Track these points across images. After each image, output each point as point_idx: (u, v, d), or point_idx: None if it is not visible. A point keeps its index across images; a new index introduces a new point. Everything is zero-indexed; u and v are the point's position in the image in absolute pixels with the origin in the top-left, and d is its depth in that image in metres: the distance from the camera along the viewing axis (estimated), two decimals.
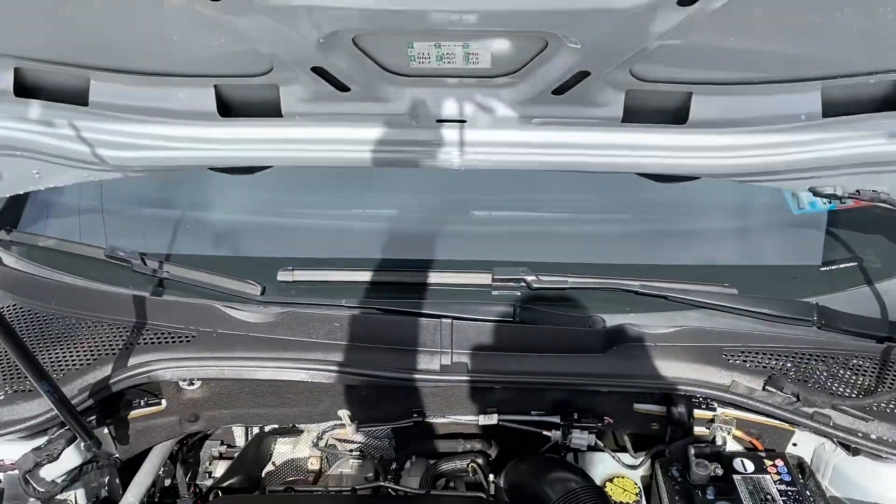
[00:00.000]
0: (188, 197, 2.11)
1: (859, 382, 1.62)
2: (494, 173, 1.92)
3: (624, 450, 1.73)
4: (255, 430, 1.94)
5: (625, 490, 1.64)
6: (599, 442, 1.71)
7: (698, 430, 1.69)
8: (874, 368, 1.65)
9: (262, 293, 1.77)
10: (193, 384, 1.71)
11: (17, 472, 1.52)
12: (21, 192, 1.71)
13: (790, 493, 1.52)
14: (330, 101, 1.36)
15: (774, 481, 1.54)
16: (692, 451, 1.60)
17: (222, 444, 1.97)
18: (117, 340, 1.69)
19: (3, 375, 1.64)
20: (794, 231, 1.97)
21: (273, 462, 1.92)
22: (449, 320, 1.67)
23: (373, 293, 1.76)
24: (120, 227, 2.03)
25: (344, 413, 1.75)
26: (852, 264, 1.88)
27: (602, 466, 1.71)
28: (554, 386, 1.67)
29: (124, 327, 1.71)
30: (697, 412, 1.68)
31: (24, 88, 1.33)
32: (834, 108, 1.32)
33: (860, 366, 1.65)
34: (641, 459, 1.70)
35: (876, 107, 1.31)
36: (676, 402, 1.68)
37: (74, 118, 1.39)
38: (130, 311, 1.73)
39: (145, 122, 1.41)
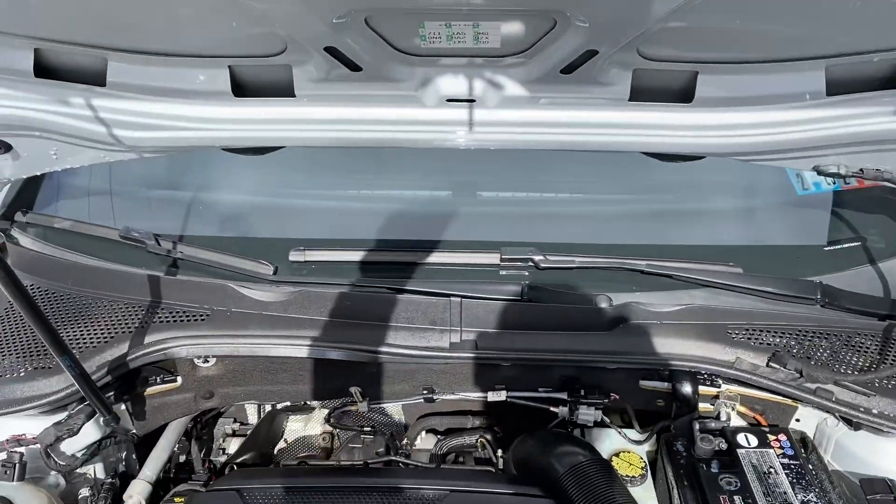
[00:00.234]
0: (196, 179, 2.14)
1: (861, 359, 1.65)
2: (501, 155, 1.96)
3: (630, 426, 1.76)
4: (268, 407, 1.98)
5: (631, 464, 1.67)
6: (606, 418, 1.74)
7: (703, 406, 1.73)
8: (876, 345, 1.68)
9: (275, 273, 1.80)
10: (208, 361, 1.75)
11: (38, 446, 1.56)
12: (38, 174, 1.74)
13: (793, 466, 1.55)
14: (342, 81, 1.38)
15: (777, 455, 1.57)
16: (697, 426, 1.63)
17: (235, 421, 2.00)
18: (133, 319, 1.73)
19: (24, 353, 1.68)
20: (799, 211, 2.00)
21: (285, 439, 1.96)
22: (458, 299, 1.70)
23: (383, 273, 1.79)
24: (129, 209, 2.07)
25: (355, 390, 1.79)
26: (855, 244, 1.90)
27: (608, 442, 1.74)
28: (561, 363, 1.70)
29: (140, 306, 1.75)
30: (702, 389, 1.71)
31: (44, 69, 1.36)
32: (838, 87, 1.34)
33: (862, 343, 1.68)
34: (647, 435, 1.73)
35: (879, 85, 1.33)
36: (681, 379, 1.71)
37: (92, 98, 1.41)
38: (146, 291, 1.77)
39: (161, 102, 1.43)
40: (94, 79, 1.38)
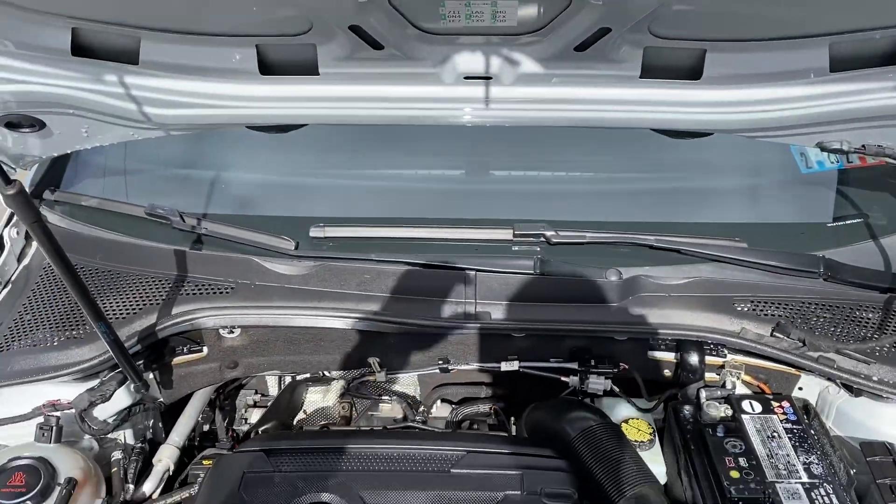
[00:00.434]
0: (213, 159, 2.20)
1: (862, 329, 1.71)
2: (513, 134, 2.02)
3: (638, 395, 1.83)
4: (288, 379, 2.05)
5: (639, 430, 1.74)
6: (615, 387, 1.81)
7: (709, 376, 1.79)
8: (877, 317, 1.74)
9: (296, 248, 1.86)
10: (233, 332, 1.82)
11: (72, 411, 1.63)
12: (68, 151, 1.81)
13: (795, 430, 1.61)
14: (364, 59, 1.44)
15: (781, 420, 1.64)
16: (703, 394, 1.69)
17: (256, 392, 2.08)
18: (161, 292, 1.79)
19: (58, 324, 1.76)
20: (803, 189, 2.05)
21: (304, 410, 2.03)
22: (473, 272, 1.77)
23: (400, 248, 1.85)
24: (145, 189, 2.12)
25: (373, 360, 1.86)
26: (858, 221, 1.96)
27: (617, 410, 1.80)
28: (572, 333, 1.77)
29: (167, 280, 1.82)
30: (708, 359, 1.78)
31: (80, 48, 1.42)
32: (841, 64, 1.39)
33: (863, 315, 1.75)
34: (655, 403, 1.79)
35: (881, 61, 1.38)
36: (688, 349, 1.78)
37: (125, 76, 1.48)
38: (172, 265, 1.84)
39: (190, 80, 1.50)
40: (128, 57, 1.45)
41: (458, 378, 1.95)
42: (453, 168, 2.13)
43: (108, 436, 1.71)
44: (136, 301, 1.78)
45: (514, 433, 1.83)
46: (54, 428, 1.60)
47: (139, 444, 1.73)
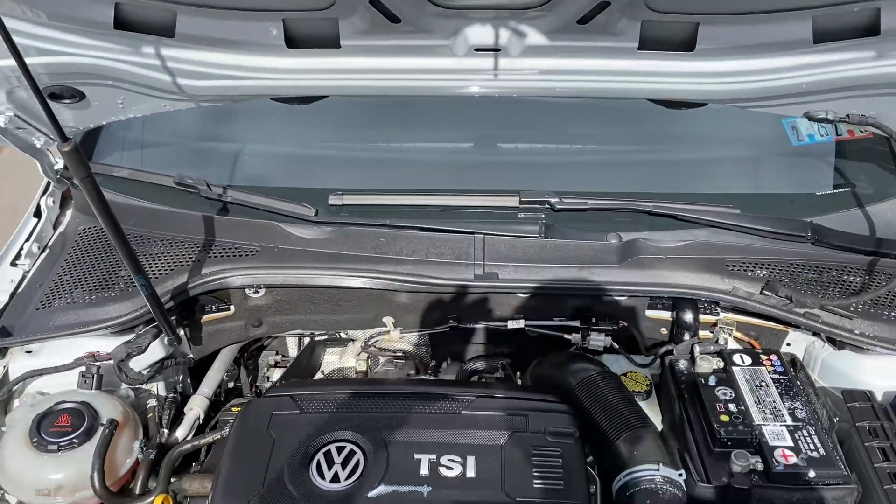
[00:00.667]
0: (231, 133, 2.32)
1: (845, 289, 1.83)
2: (520, 109, 2.14)
3: (637, 352, 1.95)
4: (307, 341, 2.18)
5: (637, 381, 1.86)
6: (615, 344, 1.93)
7: (703, 333, 1.91)
8: (859, 278, 1.86)
9: (316, 215, 1.99)
10: (258, 292, 1.94)
11: (111, 361, 1.76)
12: (103, 123, 1.93)
13: (782, 380, 1.73)
14: (382, 32, 1.56)
15: (769, 371, 1.75)
16: (697, 349, 1.81)
17: (277, 353, 2.21)
18: (190, 254, 1.92)
19: (94, 285, 1.89)
20: (794, 161, 2.17)
21: (322, 370, 2.16)
22: (481, 236, 1.89)
23: (413, 214, 1.96)
24: (166, 162, 2.22)
25: (388, 320, 1.99)
26: (846, 190, 2.07)
27: (617, 366, 1.92)
28: (574, 293, 1.89)
29: (196, 244, 1.94)
30: (702, 317, 1.90)
31: (122, 22, 1.54)
32: (823, 35, 1.51)
33: (847, 275, 1.87)
34: (652, 359, 1.92)
35: (860, 33, 1.50)
36: (683, 308, 1.90)
37: (161, 48, 1.60)
38: (200, 230, 1.96)
39: (221, 53, 1.62)
40: (165, 30, 1.57)
41: (467, 337, 2.07)
42: (463, 141, 2.25)
43: (143, 387, 1.84)
44: (168, 263, 1.90)
45: None
46: (95, 376, 1.73)
47: (171, 395, 1.85)
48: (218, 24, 1.56)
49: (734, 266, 1.86)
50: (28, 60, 1.51)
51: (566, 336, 1.93)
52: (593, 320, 1.91)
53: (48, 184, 2.14)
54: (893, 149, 1.86)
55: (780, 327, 1.86)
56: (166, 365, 1.88)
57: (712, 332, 1.91)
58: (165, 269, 1.88)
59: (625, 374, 1.88)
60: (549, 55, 1.59)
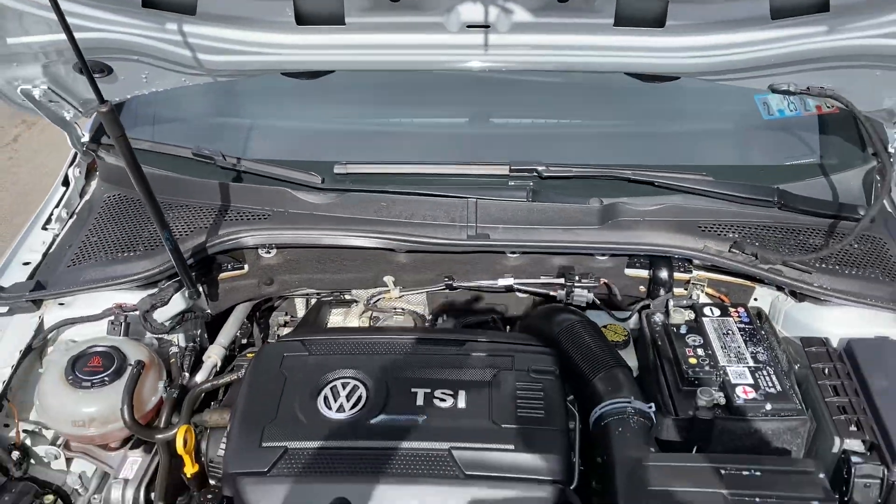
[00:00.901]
0: (239, 110, 2.48)
1: (807, 248, 1.99)
2: (512, 87, 2.30)
3: (617, 308, 2.12)
4: (313, 302, 2.35)
5: (616, 332, 2.03)
6: (597, 300, 2.10)
7: (677, 290, 2.08)
8: (820, 238, 2.03)
9: (322, 182, 2.15)
10: (270, 252, 2.11)
11: (136, 312, 1.94)
12: (128, 97, 2.10)
13: (747, 329, 1.89)
14: (383, 9, 1.73)
15: (735, 322, 1.92)
16: (671, 302, 1.98)
17: (286, 314, 2.38)
18: (208, 218, 2.09)
19: (119, 246, 2.06)
20: (764, 134, 2.33)
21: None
22: (474, 200, 2.05)
23: (411, 181, 2.12)
24: (179, 137, 2.36)
25: (388, 279, 2.16)
26: (811, 160, 2.24)
27: (598, 321, 2.08)
28: (559, 252, 2.06)
29: (212, 209, 2.11)
30: (676, 275, 2.07)
31: (149, 0, 1.71)
32: (779, 12, 1.67)
33: (810, 236, 2.03)
34: (630, 313, 2.09)
35: (812, 9, 1.66)
36: (659, 266, 2.07)
37: (183, 25, 1.77)
38: (217, 196, 2.13)
39: (238, 30, 1.79)
40: (187, 8, 1.74)
41: (461, 297, 2.24)
42: (459, 117, 2.42)
43: (165, 337, 2.02)
44: (187, 226, 2.07)
45: None
46: (123, 324, 1.90)
47: (190, 345, 2.02)
48: (236, 3, 1.73)
49: (705, 227, 2.03)
50: (58, 37, 1.70)
51: (552, 293, 2.11)
52: (577, 278, 2.08)
53: (75, 155, 2.31)
54: (859, 121, 2.00)
55: (748, 283, 2.03)
56: (186, 318, 2.05)
57: (686, 289, 2.08)
58: (185, 231, 2.05)
59: (605, 327, 2.05)
60: (534, 31, 1.76)
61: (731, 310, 1.96)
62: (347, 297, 2.29)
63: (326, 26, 1.78)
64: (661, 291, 2.07)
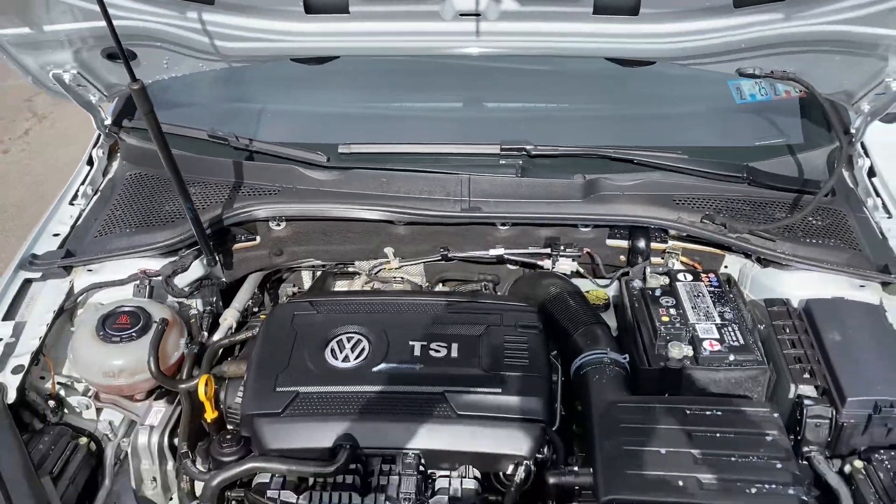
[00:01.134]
0: (248, 96, 2.65)
1: (773, 219, 2.17)
2: (503, 74, 2.48)
3: (599, 276, 2.30)
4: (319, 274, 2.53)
5: (597, 297, 2.22)
6: (580, 269, 2.28)
7: (654, 259, 2.26)
8: (785, 210, 2.21)
9: (328, 161, 2.33)
10: (280, 224, 2.29)
11: (159, 277, 2.12)
12: (149, 82, 2.27)
13: (716, 292, 2.07)
14: None
15: (706, 286, 2.10)
16: (648, 269, 2.16)
17: (294, 285, 2.56)
18: (222, 194, 2.27)
19: (143, 218, 2.24)
20: (737, 117, 2.51)
21: None
22: (467, 176, 2.23)
23: (410, 160, 2.30)
24: (192, 121, 2.53)
25: (389, 250, 2.34)
26: (780, 141, 2.41)
27: (582, 287, 2.27)
28: (546, 224, 2.24)
29: (226, 185, 2.29)
30: (653, 245, 2.25)
31: None
32: (741, 0, 1.84)
33: (774, 208, 2.21)
34: (611, 280, 2.27)
35: None
36: (638, 237, 2.25)
37: (203, 13, 1.95)
38: (230, 174, 2.31)
39: (252, 18, 1.97)
40: None
41: (455, 268, 2.42)
42: (453, 101, 2.59)
43: (185, 301, 2.20)
44: (203, 200, 2.25)
45: None
46: (147, 287, 2.09)
47: (208, 309, 2.21)
48: None
49: (680, 201, 2.21)
50: (95, 24, 1.88)
51: (539, 263, 2.29)
52: (562, 248, 2.26)
53: (98, 136, 2.49)
54: (823, 105, 2.18)
55: (718, 252, 2.21)
56: (203, 284, 2.24)
57: (662, 258, 2.26)
58: (202, 205, 2.23)
59: (587, 292, 2.23)
60: (521, 19, 1.93)
61: (703, 275, 2.14)
62: (351, 269, 2.47)
63: (332, 15, 1.95)
64: (640, 260, 2.25)
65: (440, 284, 2.42)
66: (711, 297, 2.06)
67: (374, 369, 1.79)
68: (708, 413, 1.71)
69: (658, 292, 2.08)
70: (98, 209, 2.33)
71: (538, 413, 1.71)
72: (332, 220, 2.26)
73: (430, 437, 1.68)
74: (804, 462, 1.78)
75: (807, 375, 1.84)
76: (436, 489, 1.68)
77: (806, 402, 1.79)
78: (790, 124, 2.45)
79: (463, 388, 1.73)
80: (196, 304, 2.22)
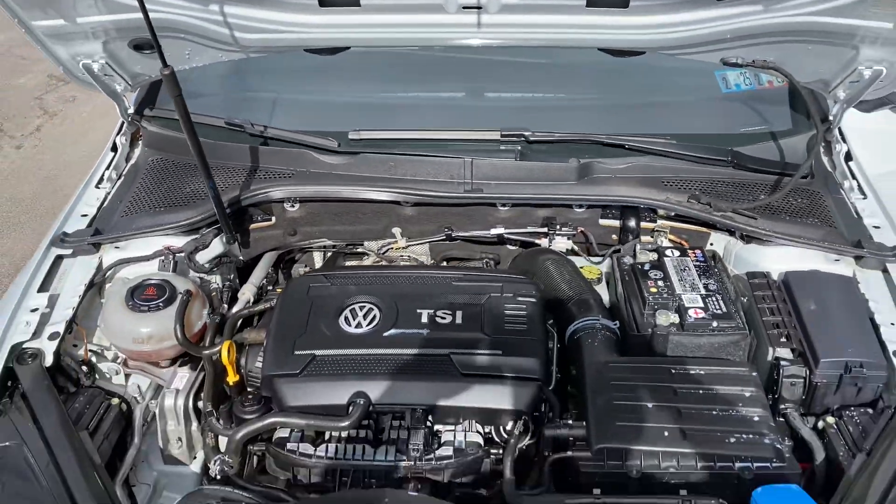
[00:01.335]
0: (262, 86, 2.80)
1: (755, 199, 2.32)
2: (503, 66, 2.64)
3: (592, 254, 2.46)
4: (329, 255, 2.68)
5: (590, 272, 2.37)
6: (575, 247, 2.43)
7: (645, 238, 2.41)
8: (767, 191, 2.36)
9: (339, 146, 2.48)
10: (294, 206, 2.44)
11: (182, 253, 2.27)
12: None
13: (702, 266, 2.22)
14: None
15: (692, 261, 2.25)
16: (638, 246, 2.31)
17: (305, 266, 2.71)
18: (240, 177, 2.42)
19: (166, 199, 2.39)
20: (723, 105, 2.66)
21: None
22: (470, 159, 2.38)
23: (416, 145, 2.45)
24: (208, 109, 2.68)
25: (396, 230, 2.49)
26: (763, 128, 2.57)
27: (576, 264, 2.42)
28: (543, 204, 2.39)
29: (244, 169, 2.44)
30: (643, 224, 2.40)
31: None
32: None
33: (756, 189, 2.36)
34: (603, 257, 2.42)
35: None
36: (628, 216, 2.40)
37: (224, 6, 2.10)
38: (247, 158, 2.46)
39: (269, 10, 2.12)
40: None
41: (459, 247, 2.57)
42: (456, 92, 2.75)
43: (205, 277, 2.35)
44: (222, 183, 2.40)
45: None
46: (171, 262, 2.24)
47: (227, 284, 2.36)
48: None
49: (668, 182, 2.36)
50: (125, 16, 2.04)
51: (536, 241, 2.44)
52: (558, 227, 2.41)
53: (122, 124, 2.64)
54: (802, 93, 2.33)
55: (704, 230, 2.36)
56: (222, 262, 2.38)
57: (652, 237, 2.41)
58: (220, 188, 2.37)
59: (581, 268, 2.38)
60: (519, 12, 2.08)
61: (690, 251, 2.29)
62: (360, 249, 2.62)
63: (344, 7, 2.10)
64: (630, 238, 2.40)
65: (444, 263, 2.57)
66: (697, 270, 2.21)
67: (385, 334, 1.94)
68: (692, 372, 1.87)
69: (647, 267, 2.22)
70: (122, 192, 2.48)
71: (535, 372, 1.86)
72: (344, 201, 2.41)
73: (436, 394, 1.83)
74: (781, 419, 1.93)
75: (784, 339, 1.99)
76: (441, 442, 1.83)
77: (783, 363, 1.94)
78: (772, 112, 2.60)
79: (466, 351, 1.88)
80: (215, 280, 2.37)
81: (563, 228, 2.40)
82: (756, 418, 1.77)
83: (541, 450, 1.82)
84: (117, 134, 2.65)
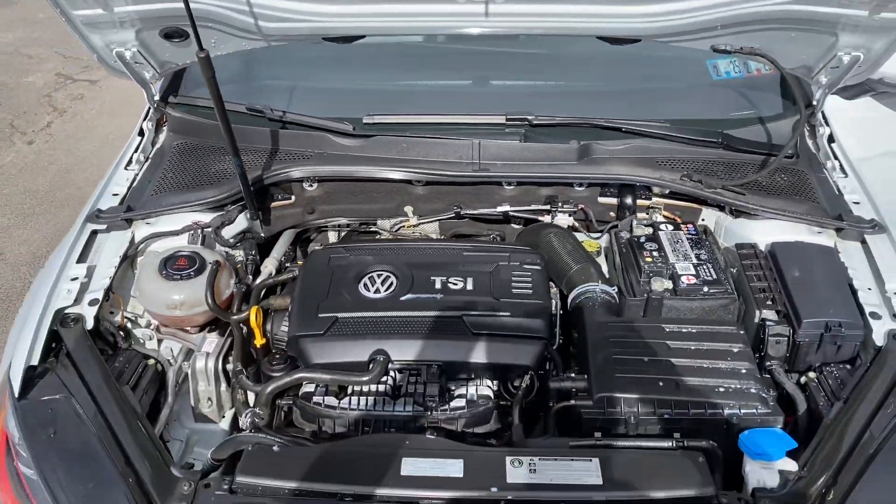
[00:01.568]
0: (280, 74, 2.97)
1: (743, 177, 2.49)
2: (507, 56, 2.80)
3: (592, 230, 2.62)
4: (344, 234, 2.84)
5: (590, 246, 2.53)
6: (576, 223, 2.60)
7: (641, 215, 2.57)
8: (754, 170, 2.53)
9: (354, 130, 2.64)
10: (313, 185, 2.61)
11: (209, 228, 2.43)
12: (192, 61, 2.59)
13: (694, 239, 2.38)
14: None
15: (685, 234, 2.41)
16: (634, 221, 2.48)
17: (321, 245, 2.86)
18: (261, 158, 2.58)
19: (192, 179, 2.55)
20: (714, 91, 2.83)
21: None
22: (478, 141, 2.54)
23: (427, 129, 2.61)
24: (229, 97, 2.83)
25: (408, 209, 2.65)
26: (752, 113, 2.74)
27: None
28: (546, 183, 2.56)
29: (265, 151, 2.60)
30: (639, 201, 2.57)
31: None
32: None
33: (744, 168, 2.53)
34: (603, 232, 2.59)
35: None
36: (625, 194, 2.56)
37: None
38: (268, 141, 2.62)
39: (291, 0, 2.28)
40: None
41: (467, 225, 2.73)
42: (464, 80, 2.92)
43: (229, 251, 2.50)
44: (245, 163, 2.55)
45: None
46: (200, 235, 2.40)
47: (250, 257, 2.51)
48: None
49: (662, 162, 2.52)
50: (159, 5, 2.20)
51: (539, 218, 2.60)
52: (560, 205, 2.57)
53: (148, 110, 2.80)
54: (786, 77, 2.50)
55: (696, 206, 2.53)
56: (245, 238, 2.54)
57: (647, 213, 2.58)
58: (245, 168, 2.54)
59: (582, 242, 2.55)
60: (524, 1, 2.24)
61: (683, 226, 2.46)
62: (373, 228, 2.78)
63: None
64: (627, 214, 2.57)
65: (453, 239, 2.73)
66: (689, 242, 2.37)
67: (402, 298, 2.10)
68: (684, 330, 2.04)
69: (643, 240, 2.39)
70: (150, 173, 2.64)
71: (541, 331, 2.02)
72: (359, 180, 2.57)
73: (449, 351, 2.00)
74: (767, 375, 2.10)
75: (769, 303, 2.15)
76: (454, 395, 1.99)
77: (768, 323, 2.10)
78: (760, 98, 2.78)
79: (477, 312, 2.04)
80: (239, 254, 2.52)
81: (564, 206, 2.57)
82: (743, 370, 1.94)
83: (546, 400, 1.98)
84: (144, 120, 2.81)
